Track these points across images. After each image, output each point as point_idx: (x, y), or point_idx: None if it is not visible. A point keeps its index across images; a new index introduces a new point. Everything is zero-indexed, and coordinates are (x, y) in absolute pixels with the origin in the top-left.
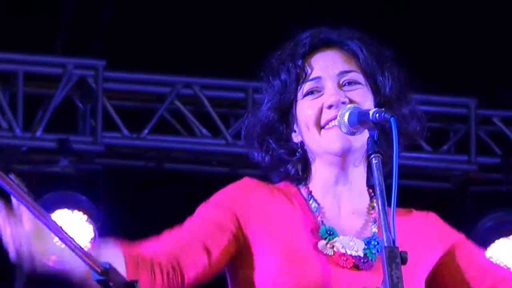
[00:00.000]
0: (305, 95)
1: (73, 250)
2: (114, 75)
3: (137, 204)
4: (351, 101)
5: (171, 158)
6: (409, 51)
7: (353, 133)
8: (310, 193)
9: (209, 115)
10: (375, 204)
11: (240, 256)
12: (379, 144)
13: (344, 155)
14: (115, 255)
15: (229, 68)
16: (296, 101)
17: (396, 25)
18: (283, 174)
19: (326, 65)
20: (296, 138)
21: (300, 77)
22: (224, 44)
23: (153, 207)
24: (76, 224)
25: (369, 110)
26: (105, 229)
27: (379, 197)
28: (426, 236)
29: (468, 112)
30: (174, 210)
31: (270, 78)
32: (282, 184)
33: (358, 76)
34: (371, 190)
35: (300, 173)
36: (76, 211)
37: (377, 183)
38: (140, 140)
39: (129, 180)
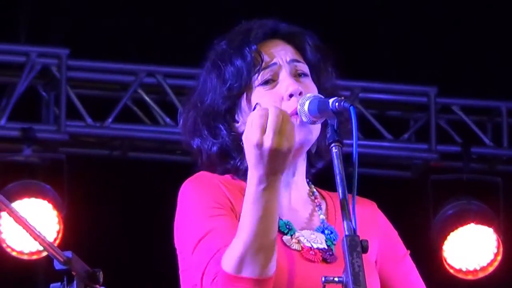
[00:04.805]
0: (260, 84)
1: (36, 240)
2: (78, 64)
3: (101, 193)
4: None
5: (135, 147)
6: (369, 40)
7: (313, 122)
8: None
9: (172, 104)
10: (314, 190)
11: None
12: (339, 133)
13: (299, 149)
14: None
15: (191, 56)
16: (247, 88)
17: (355, 14)
18: (230, 167)
19: (279, 52)
20: (240, 128)
21: (256, 63)
22: (187, 32)
23: (117, 195)
24: (40, 213)
25: (329, 99)
26: (69, 219)
27: (339, 186)
28: (371, 222)
29: (428, 100)
30: (139, 198)
31: (220, 63)
32: (227, 177)
33: (306, 68)
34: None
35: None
36: (40, 200)
37: (337, 171)
38: (104, 129)
39: (93, 169)
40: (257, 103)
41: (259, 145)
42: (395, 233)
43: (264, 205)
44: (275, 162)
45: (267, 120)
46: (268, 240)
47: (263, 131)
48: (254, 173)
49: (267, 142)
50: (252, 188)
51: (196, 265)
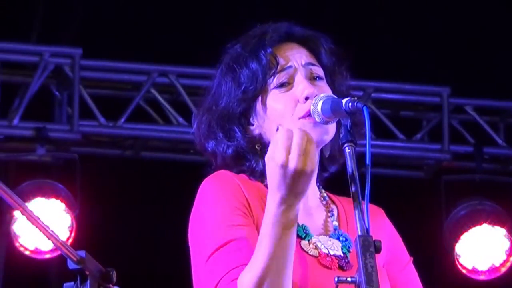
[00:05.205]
0: (275, 87)
1: (49, 239)
2: (91, 64)
3: (114, 193)
4: None
5: (148, 147)
6: (381, 39)
7: (326, 122)
8: None
9: (185, 104)
10: (325, 194)
11: None
12: (352, 133)
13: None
14: None
15: (204, 56)
16: (263, 91)
17: (367, 15)
18: (246, 169)
19: (294, 55)
20: (255, 130)
21: (272, 66)
22: (200, 32)
23: (130, 195)
24: (53, 213)
25: (342, 99)
26: (82, 218)
27: (353, 186)
28: (378, 228)
29: (441, 100)
30: (151, 198)
31: (235, 67)
32: (243, 176)
33: (321, 71)
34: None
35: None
36: (53, 200)
37: (351, 172)
38: (117, 128)
39: (106, 169)
40: (279, 124)
41: (284, 166)
42: (400, 240)
43: (283, 227)
44: (298, 183)
45: (291, 141)
46: (286, 262)
47: (288, 152)
48: (275, 194)
49: (292, 163)
50: (272, 210)
51: (210, 274)
